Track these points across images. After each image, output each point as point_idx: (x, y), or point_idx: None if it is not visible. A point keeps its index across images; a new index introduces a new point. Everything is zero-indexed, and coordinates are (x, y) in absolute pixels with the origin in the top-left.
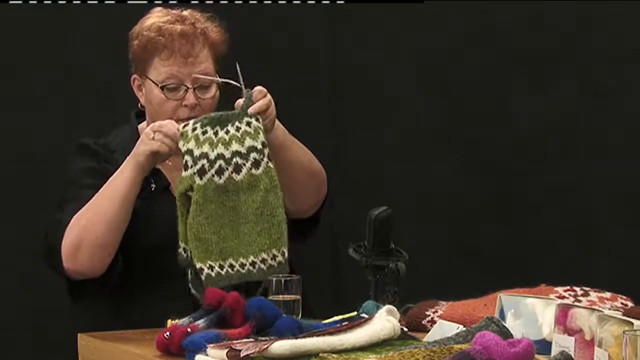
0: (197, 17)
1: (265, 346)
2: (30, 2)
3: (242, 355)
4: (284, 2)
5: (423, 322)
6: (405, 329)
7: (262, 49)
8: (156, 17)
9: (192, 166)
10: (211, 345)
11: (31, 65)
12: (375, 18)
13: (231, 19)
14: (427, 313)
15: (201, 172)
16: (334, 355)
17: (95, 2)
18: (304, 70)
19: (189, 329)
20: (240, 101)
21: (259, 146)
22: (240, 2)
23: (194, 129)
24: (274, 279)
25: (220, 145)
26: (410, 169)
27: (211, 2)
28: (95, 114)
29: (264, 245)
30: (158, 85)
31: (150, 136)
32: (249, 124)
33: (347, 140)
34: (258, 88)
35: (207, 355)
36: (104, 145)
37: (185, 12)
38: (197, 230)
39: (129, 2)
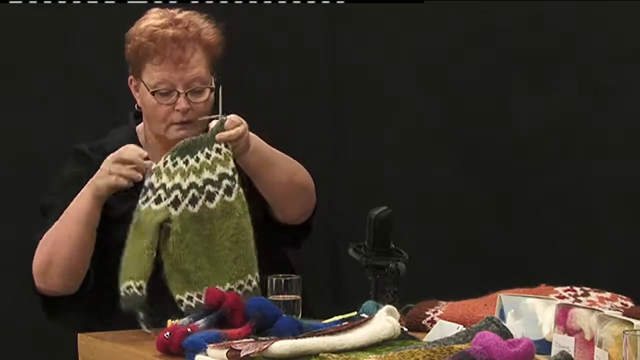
0: (192, 19)
1: (265, 346)
2: (30, 2)
3: (242, 355)
4: (284, 2)
5: (423, 322)
6: (405, 329)
7: (262, 49)
8: (152, 18)
9: (165, 199)
10: (211, 345)
11: (31, 65)
12: (375, 18)
13: (231, 19)
14: (427, 313)
15: (175, 203)
16: (334, 355)
17: (95, 2)
18: (304, 70)
19: (189, 329)
20: (213, 123)
21: (230, 172)
22: (240, 2)
23: (165, 163)
24: (274, 279)
25: (191, 174)
26: (410, 169)
27: (211, 2)
28: (95, 114)
29: (240, 272)
30: (149, 90)
31: (108, 168)
32: (218, 150)
33: (347, 140)
34: (232, 116)
35: (207, 355)
36: (100, 148)
37: (180, 15)
38: (176, 261)
39: (129, 2)
